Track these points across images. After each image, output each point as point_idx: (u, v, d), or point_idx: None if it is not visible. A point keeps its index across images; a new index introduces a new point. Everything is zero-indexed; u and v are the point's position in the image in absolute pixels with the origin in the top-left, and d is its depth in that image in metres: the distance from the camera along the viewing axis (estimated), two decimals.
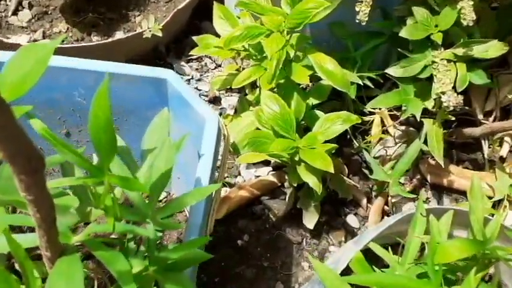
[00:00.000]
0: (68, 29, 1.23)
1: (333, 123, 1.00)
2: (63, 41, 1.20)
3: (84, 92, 0.88)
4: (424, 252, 0.80)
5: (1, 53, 0.85)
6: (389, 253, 0.80)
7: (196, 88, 1.30)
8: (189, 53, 1.30)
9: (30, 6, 1.27)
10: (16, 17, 1.26)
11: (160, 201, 0.96)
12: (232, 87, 1.04)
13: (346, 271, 0.79)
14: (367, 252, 0.81)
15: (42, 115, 0.91)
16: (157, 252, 0.65)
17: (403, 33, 1.01)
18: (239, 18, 1.07)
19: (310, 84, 1.09)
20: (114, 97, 0.87)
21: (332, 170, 0.93)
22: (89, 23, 1.24)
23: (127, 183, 0.57)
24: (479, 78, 1.05)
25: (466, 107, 1.20)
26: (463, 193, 1.18)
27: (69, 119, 0.92)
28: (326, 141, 1.00)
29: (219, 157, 0.85)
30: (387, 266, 0.81)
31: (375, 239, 0.82)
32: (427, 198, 1.17)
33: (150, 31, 1.17)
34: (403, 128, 1.20)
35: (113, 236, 0.69)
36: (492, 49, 1.01)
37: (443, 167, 1.09)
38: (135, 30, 1.17)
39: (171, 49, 1.33)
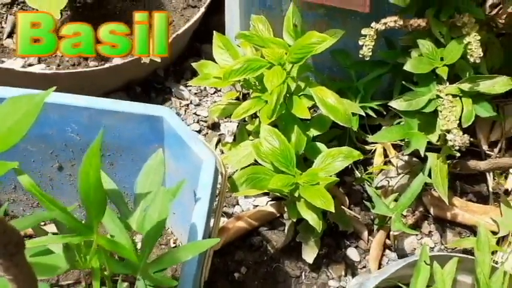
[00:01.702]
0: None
1: (334, 159, 0.98)
2: (58, 65, 1.17)
3: (77, 128, 0.86)
4: None
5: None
6: None
7: (195, 113, 1.27)
8: (190, 77, 1.29)
9: None
10: (11, 39, 1.23)
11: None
12: (232, 118, 1.02)
13: None
14: None
15: (34, 149, 0.90)
16: None
17: (408, 66, 0.99)
18: (239, 46, 1.04)
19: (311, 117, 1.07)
20: (109, 133, 0.85)
21: (333, 210, 0.92)
22: None
23: (116, 247, 0.55)
24: (485, 110, 1.04)
25: (471, 138, 1.18)
26: (467, 227, 1.16)
27: (62, 154, 0.91)
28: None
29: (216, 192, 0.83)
30: None
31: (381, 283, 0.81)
32: (430, 232, 1.15)
33: (148, 57, 1.14)
34: (405, 158, 1.18)
35: None
36: (499, 84, 1.00)
37: (447, 204, 1.07)
38: (133, 56, 1.14)
39: (170, 73, 1.30)
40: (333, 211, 0.91)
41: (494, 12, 1.22)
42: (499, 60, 1.10)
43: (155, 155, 0.75)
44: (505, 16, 1.19)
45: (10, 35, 1.24)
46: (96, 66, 1.16)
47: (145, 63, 1.15)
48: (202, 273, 0.74)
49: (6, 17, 1.26)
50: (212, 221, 0.82)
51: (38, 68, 1.17)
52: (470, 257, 0.79)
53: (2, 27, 1.24)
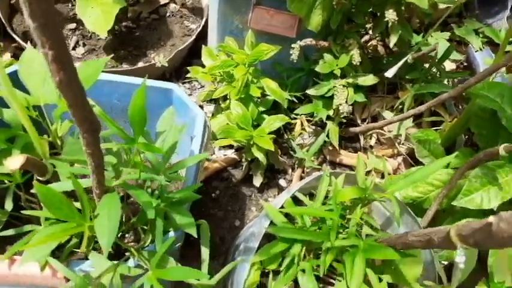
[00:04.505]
0: None
1: (274, 121, 1.00)
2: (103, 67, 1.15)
3: (118, 96, 0.84)
4: (327, 199, 0.80)
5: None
6: (307, 198, 0.80)
7: None
8: (185, 78, 1.29)
9: (84, 45, 1.22)
10: (74, 51, 1.21)
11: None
12: (213, 97, 1.02)
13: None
14: (294, 200, 0.81)
15: None
16: (167, 194, 0.63)
17: (318, 68, 1.02)
18: (217, 56, 1.05)
19: (260, 98, 1.08)
20: None
21: (273, 149, 0.94)
22: (121, 56, 1.21)
23: (150, 147, 0.56)
24: (360, 98, 1.07)
25: (351, 115, 1.22)
26: (348, 167, 1.19)
27: (109, 114, 0.88)
28: (269, 133, 1.00)
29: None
30: None
31: (298, 190, 0.82)
32: (327, 169, 1.18)
33: (160, 63, 1.14)
34: (314, 127, 1.21)
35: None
36: (368, 80, 1.03)
37: (337, 150, 1.10)
38: (151, 62, 1.14)
39: (173, 75, 1.31)
40: (273, 150, 0.93)
41: (366, 40, 1.27)
42: (368, 69, 1.13)
43: (168, 109, 0.74)
44: (371, 46, 1.25)
45: (74, 48, 1.21)
46: (128, 68, 1.15)
47: (158, 67, 1.15)
48: (198, 177, 0.75)
49: (71, 38, 1.23)
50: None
51: None
52: (352, 173, 0.82)
53: (68, 43, 1.21)
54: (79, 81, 0.33)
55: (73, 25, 1.24)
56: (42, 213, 0.57)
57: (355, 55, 0.97)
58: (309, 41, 0.99)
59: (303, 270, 0.70)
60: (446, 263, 0.90)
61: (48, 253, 0.53)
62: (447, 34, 1.28)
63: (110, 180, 0.55)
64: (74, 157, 0.55)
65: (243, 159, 1.14)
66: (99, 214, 0.49)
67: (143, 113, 0.52)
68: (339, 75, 1.01)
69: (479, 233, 0.38)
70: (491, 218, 0.36)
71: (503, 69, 1.23)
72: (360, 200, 0.72)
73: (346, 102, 0.99)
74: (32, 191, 0.56)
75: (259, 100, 1.06)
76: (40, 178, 0.58)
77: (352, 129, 1.18)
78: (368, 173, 1.13)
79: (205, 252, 0.63)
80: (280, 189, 1.15)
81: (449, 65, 1.37)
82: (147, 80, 0.83)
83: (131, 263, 0.58)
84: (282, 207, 0.79)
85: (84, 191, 0.51)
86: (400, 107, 1.18)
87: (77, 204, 0.54)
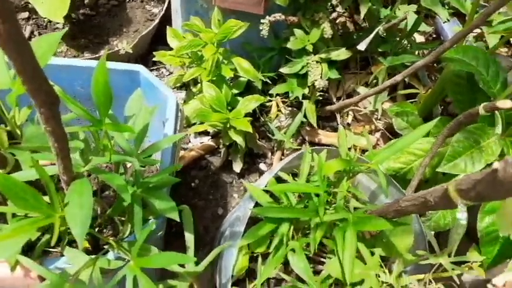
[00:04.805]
0: (67, 49, 1.11)
1: (250, 102, 0.97)
2: (64, 56, 1.08)
3: (81, 83, 0.79)
4: (310, 176, 0.77)
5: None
6: (290, 176, 0.77)
7: None
8: (152, 65, 1.23)
9: (40, 35, 1.14)
10: (30, 41, 1.12)
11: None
12: (183, 80, 0.98)
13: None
14: (277, 181, 0.78)
15: None
16: (143, 179, 0.58)
17: (289, 44, 0.99)
18: (184, 37, 1.00)
19: (233, 80, 1.05)
20: None
21: (251, 130, 0.91)
22: (82, 45, 1.13)
23: (119, 127, 0.51)
24: (334, 74, 1.04)
25: (326, 94, 1.20)
26: (327, 146, 1.16)
27: None
28: (245, 115, 0.96)
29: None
30: None
31: (280, 170, 0.79)
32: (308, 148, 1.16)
33: (124, 49, 1.08)
34: (290, 109, 1.18)
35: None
36: (342, 54, 1.01)
37: (316, 128, 1.08)
38: (114, 50, 1.07)
39: (138, 62, 1.24)
40: (251, 131, 0.90)
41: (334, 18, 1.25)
42: (340, 43, 1.11)
43: (135, 92, 0.70)
44: (340, 23, 1.23)
45: (29, 38, 1.12)
46: (90, 57, 1.08)
47: (122, 54, 1.09)
48: (175, 161, 0.70)
49: (25, 28, 1.15)
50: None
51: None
52: (333, 148, 0.80)
53: None
54: (26, 40, 0.28)
55: (25, 14, 1.15)
56: (7, 208, 0.51)
57: (327, 28, 0.95)
58: (278, 15, 0.95)
59: (293, 250, 0.68)
60: (432, 232, 0.90)
61: (17, 251, 0.48)
62: (414, 6, 1.28)
63: (79, 166, 0.50)
64: (36, 144, 0.50)
65: (221, 146, 1.10)
66: (69, 202, 0.44)
67: (107, 91, 0.48)
68: (311, 50, 0.99)
69: (481, 184, 0.36)
70: (496, 164, 0.34)
71: (471, 38, 1.25)
72: (345, 172, 0.70)
73: (321, 77, 0.97)
74: None
75: (231, 82, 1.02)
76: (0, 171, 0.52)
77: (328, 107, 1.17)
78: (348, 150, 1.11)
79: (189, 239, 0.58)
80: (261, 173, 1.12)
81: (418, 38, 1.38)
82: (110, 63, 0.78)
83: (111, 255, 0.53)
84: (266, 187, 0.76)
85: (50, 179, 0.46)
86: (374, 81, 1.17)
87: (46, 199, 0.49)
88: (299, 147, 1.12)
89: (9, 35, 0.28)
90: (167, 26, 1.03)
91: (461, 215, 0.45)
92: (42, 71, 0.32)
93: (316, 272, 0.75)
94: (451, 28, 1.31)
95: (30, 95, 0.33)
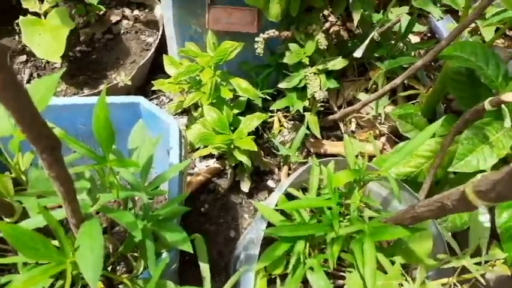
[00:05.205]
0: (66, 87, 1.12)
1: (251, 121, 0.96)
2: (64, 95, 1.08)
3: (83, 120, 0.79)
4: (321, 189, 0.76)
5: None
6: (301, 192, 0.76)
7: None
8: (152, 94, 1.23)
9: (39, 76, 1.15)
10: (29, 84, 1.13)
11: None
12: (184, 106, 0.98)
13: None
14: (287, 197, 0.77)
15: None
16: (152, 212, 0.57)
17: (285, 59, 0.99)
18: (180, 63, 1.01)
19: (233, 101, 1.04)
20: None
21: (256, 149, 0.90)
22: (81, 82, 1.14)
23: (124, 163, 0.50)
24: (333, 84, 1.04)
25: (327, 104, 1.20)
26: (334, 156, 1.16)
27: None
28: (248, 134, 0.96)
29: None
30: None
31: (289, 185, 0.78)
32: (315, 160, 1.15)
33: (122, 82, 1.08)
34: (292, 122, 1.18)
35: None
36: (338, 63, 1.01)
37: (320, 139, 1.07)
38: (113, 83, 1.08)
39: (138, 94, 1.24)
40: (256, 150, 0.89)
41: (328, 27, 1.25)
42: (335, 53, 1.11)
43: (137, 124, 0.69)
44: (333, 32, 1.23)
45: (28, 81, 1.14)
46: (89, 93, 1.08)
47: (122, 87, 1.09)
48: (182, 190, 0.70)
49: (24, 71, 1.16)
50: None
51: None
52: (341, 158, 0.79)
53: (22, 77, 1.14)
54: (23, 87, 0.28)
55: (23, 57, 1.17)
56: (17, 258, 0.50)
57: (321, 39, 0.94)
58: (272, 32, 0.95)
59: (311, 268, 0.66)
60: (449, 234, 0.88)
61: None
62: (406, 8, 1.29)
63: (87, 206, 0.49)
64: (41, 189, 0.49)
65: (227, 167, 1.10)
66: (80, 246, 0.43)
67: (109, 126, 0.47)
68: (307, 63, 0.98)
69: (501, 184, 0.35)
70: None
71: (467, 33, 1.24)
72: (355, 182, 0.69)
73: (320, 88, 0.96)
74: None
75: (231, 103, 1.02)
76: (8, 220, 0.51)
77: (330, 117, 1.16)
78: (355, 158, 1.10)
79: (205, 269, 0.57)
80: (270, 190, 1.11)
81: (413, 38, 1.38)
82: (110, 97, 0.78)
83: None
84: (276, 206, 0.75)
85: (59, 223, 0.45)
86: (374, 86, 1.17)
87: (56, 243, 0.48)
88: (305, 160, 1.11)
89: (4, 84, 0.27)
90: (163, 54, 1.03)
91: (484, 217, 0.44)
92: (40, 117, 0.31)
93: (338, 287, 0.73)
94: (445, 25, 1.31)
95: (30, 142, 0.33)
